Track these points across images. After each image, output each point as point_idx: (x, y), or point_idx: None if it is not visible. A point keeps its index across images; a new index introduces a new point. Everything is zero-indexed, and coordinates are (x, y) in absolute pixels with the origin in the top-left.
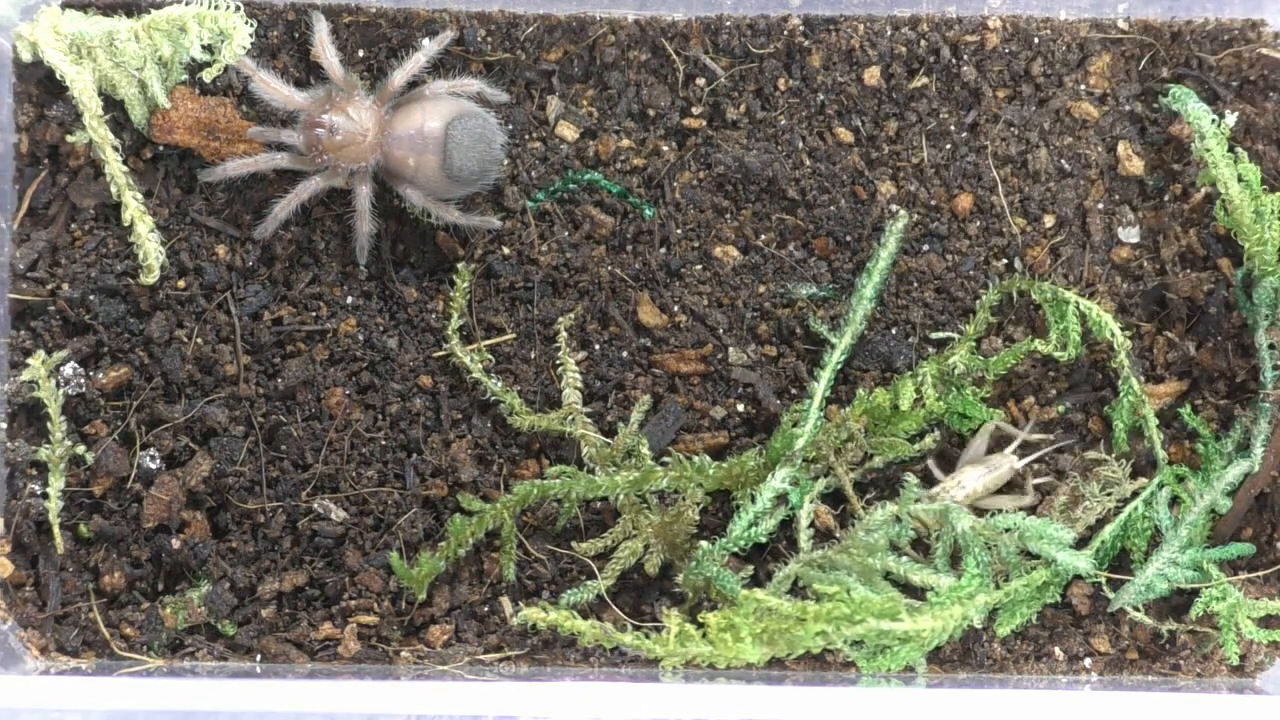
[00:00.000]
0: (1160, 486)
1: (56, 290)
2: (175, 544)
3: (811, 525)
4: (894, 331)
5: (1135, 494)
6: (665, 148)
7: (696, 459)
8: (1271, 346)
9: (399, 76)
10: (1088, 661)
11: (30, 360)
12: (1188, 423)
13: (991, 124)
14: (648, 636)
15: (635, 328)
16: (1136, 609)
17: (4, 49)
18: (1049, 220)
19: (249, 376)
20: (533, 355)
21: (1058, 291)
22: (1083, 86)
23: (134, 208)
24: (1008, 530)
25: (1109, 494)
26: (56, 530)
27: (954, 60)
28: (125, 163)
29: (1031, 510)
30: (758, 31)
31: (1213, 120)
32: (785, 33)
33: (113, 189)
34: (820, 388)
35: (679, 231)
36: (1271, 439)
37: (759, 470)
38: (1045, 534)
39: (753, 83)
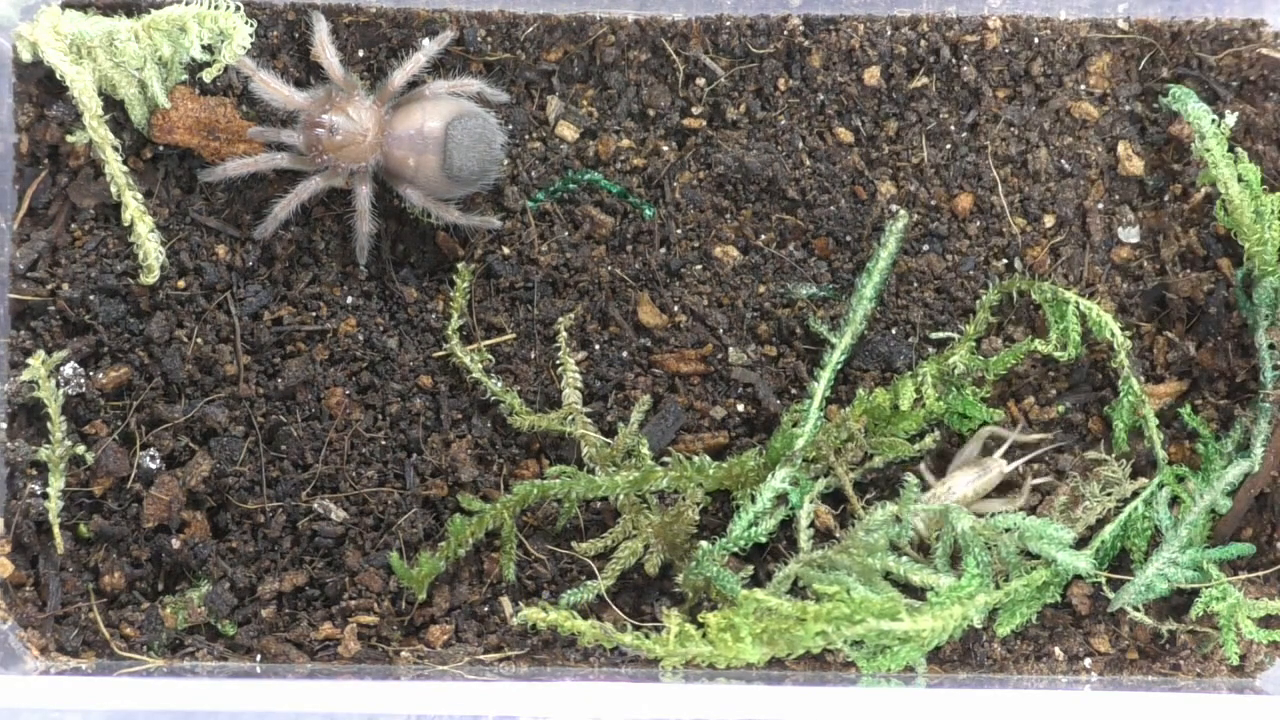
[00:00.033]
0: (1160, 486)
1: (56, 290)
2: (175, 544)
3: (811, 525)
4: (894, 331)
5: (1135, 494)
6: (665, 148)
7: (696, 459)
8: (1271, 346)
9: (399, 76)
10: (1088, 661)
11: (30, 360)
12: (1188, 423)
13: (991, 124)
14: (648, 636)
15: (635, 328)
16: (1136, 609)
17: (4, 49)
18: (1049, 220)
19: (249, 376)
20: (533, 355)
21: (1058, 291)
22: (1083, 86)
23: (134, 208)
24: (1008, 530)
25: (1109, 494)
26: (56, 530)
27: (954, 60)
28: (125, 163)
29: (1031, 510)
30: (758, 31)
31: (1213, 120)
32: (785, 33)
33: (113, 189)
34: (820, 388)
35: (679, 231)
36: (1271, 439)
37: (759, 470)
38: (1045, 534)
39: (753, 83)
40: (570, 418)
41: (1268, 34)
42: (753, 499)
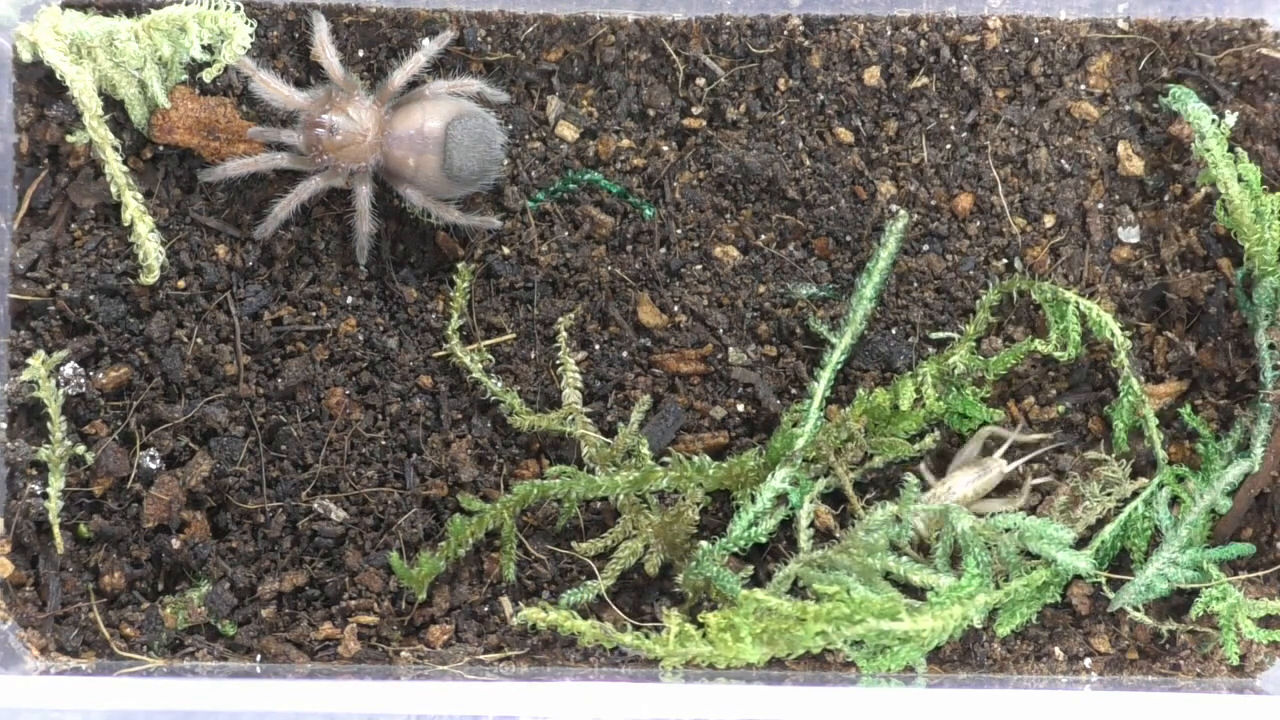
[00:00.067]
0: (1160, 486)
1: (56, 290)
2: (175, 544)
3: (811, 525)
4: (894, 331)
5: (1135, 494)
6: (665, 148)
7: (696, 459)
8: (1271, 346)
9: (399, 76)
10: (1088, 661)
11: (30, 360)
12: (1188, 423)
13: (991, 124)
14: (648, 636)
15: (635, 328)
16: (1136, 609)
17: (4, 49)
18: (1049, 220)
19: (249, 376)
20: (533, 355)
21: (1058, 291)
22: (1083, 86)
23: (134, 208)
24: (1007, 530)
25: (1109, 494)
26: (56, 530)
27: (954, 60)
28: (125, 163)
29: (1031, 510)
30: (758, 31)
31: (1213, 120)
32: (785, 33)
33: (113, 189)
34: (820, 388)
35: (679, 231)
36: (1271, 439)
37: (759, 470)
38: (1045, 534)
39: (753, 83)
40: (570, 418)
41: (1268, 34)
42: (753, 499)
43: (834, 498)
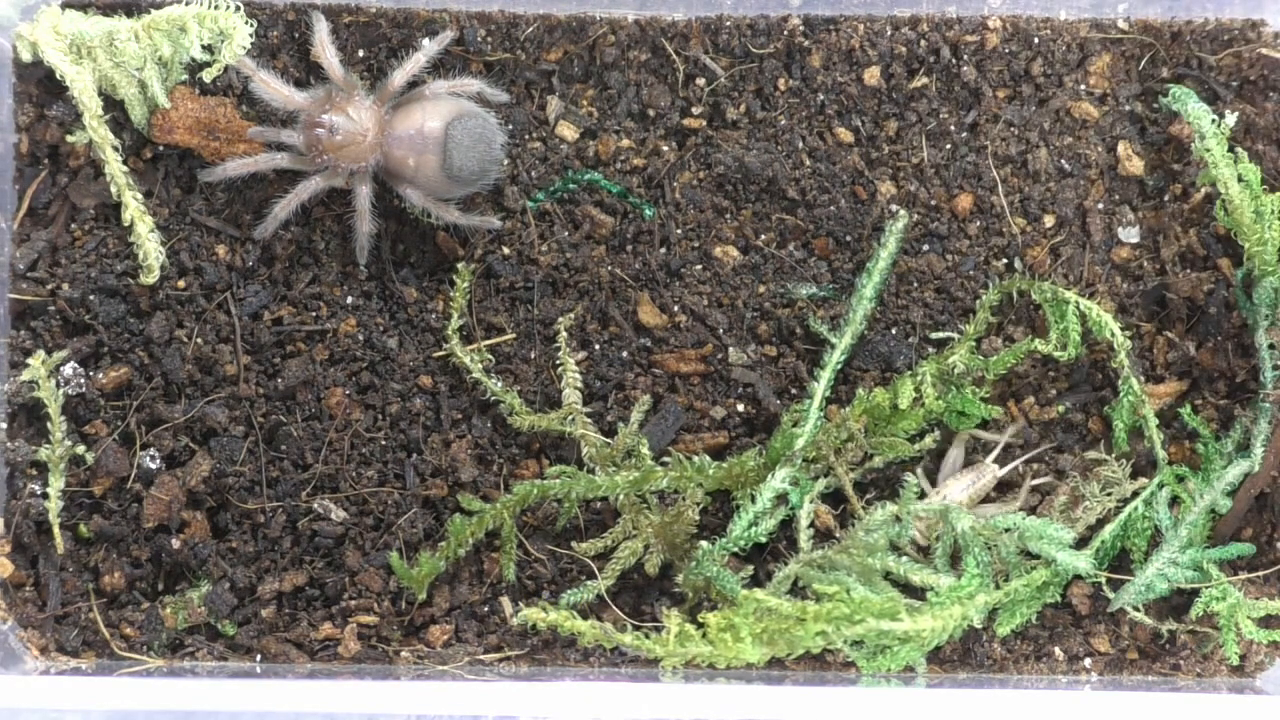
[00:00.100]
0: (1160, 486)
1: (56, 290)
2: (175, 544)
3: (811, 525)
4: (894, 331)
5: (1135, 494)
6: (665, 148)
7: (696, 459)
8: (1271, 346)
9: (399, 76)
10: (1088, 661)
11: (30, 360)
12: (1188, 423)
13: (991, 124)
14: (648, 636)
15: (635, 328)
16: (1136, 609)
17: (4, 49)
18: (1049, 220)
19: (249, 376)
20: (533, 355)
21: (1058, 291)
22: (1083, 86)
23: (134, 208)
24: (1007, 530)
25: (1109, 494)
26: (56, 530)
27: (954, 60)
28: (125, 163)
29: (1031, 511)
30: (758, 31)
31: (1213, 120)
32: (785, 33)
33: (113, 189)
34: (820, 388)
35: (679, 231)
36: (1271, 439)
37: (759, 470)
38: (1045, 534)
39: (753, 83)
40: (570, 418)
41: (1268, 34)
42: (753, 499)
43: (834, 498)
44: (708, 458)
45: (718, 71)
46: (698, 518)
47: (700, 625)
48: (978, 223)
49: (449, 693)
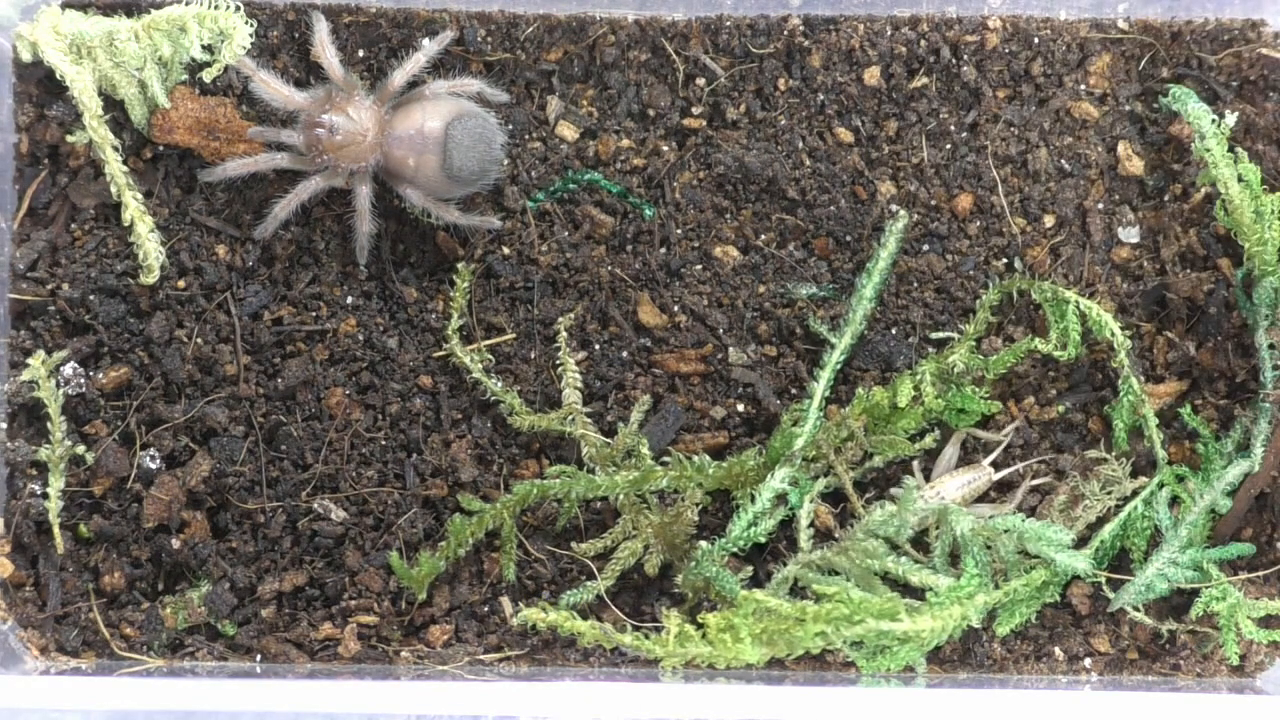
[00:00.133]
0: (1160, 486)
1: (56, 290)
2: (175, 544)
3: (811, 525)
4: (894, 331)
5: (1135, 493)
6: (665, 148)
7: (696, 459)
8: (1271, 346)
9: (399, 76)
10: (1088, 661)
11: (30, 360)
12: (1188, 423)
13: (991, 124)
14: (647, 637)
15: (635, 328)
16: (1136, 609)
17: (4, 49)
18: (1049, 220)
19: (249, 376)
20: (533, 355)
21: (1058, 291)
22: (1083, 86)
23: (134, 208)
24: (1006, 531)
25: (1109, 492)
26: (56, 530)
27: (954, 60)
28: (125, 163)
29: (1031, 511)
30: (758, 31)
31: (1213, 120)
32: (785, 33)
33: (113, 189)
34: (820, 388)
35: (679, 231)
36: (1271, 439)
37: (759, 470)
38: (1044, 535)
39: (753, 83)
40: (570, 418)
41: (1268, 34)
42: (752, 499)
43: (834, 497)
44: (708, 458)
45: (718, 71)
46: (697, 518)
47: (700, 626)
48: (978, 223)
49: (449, 693)
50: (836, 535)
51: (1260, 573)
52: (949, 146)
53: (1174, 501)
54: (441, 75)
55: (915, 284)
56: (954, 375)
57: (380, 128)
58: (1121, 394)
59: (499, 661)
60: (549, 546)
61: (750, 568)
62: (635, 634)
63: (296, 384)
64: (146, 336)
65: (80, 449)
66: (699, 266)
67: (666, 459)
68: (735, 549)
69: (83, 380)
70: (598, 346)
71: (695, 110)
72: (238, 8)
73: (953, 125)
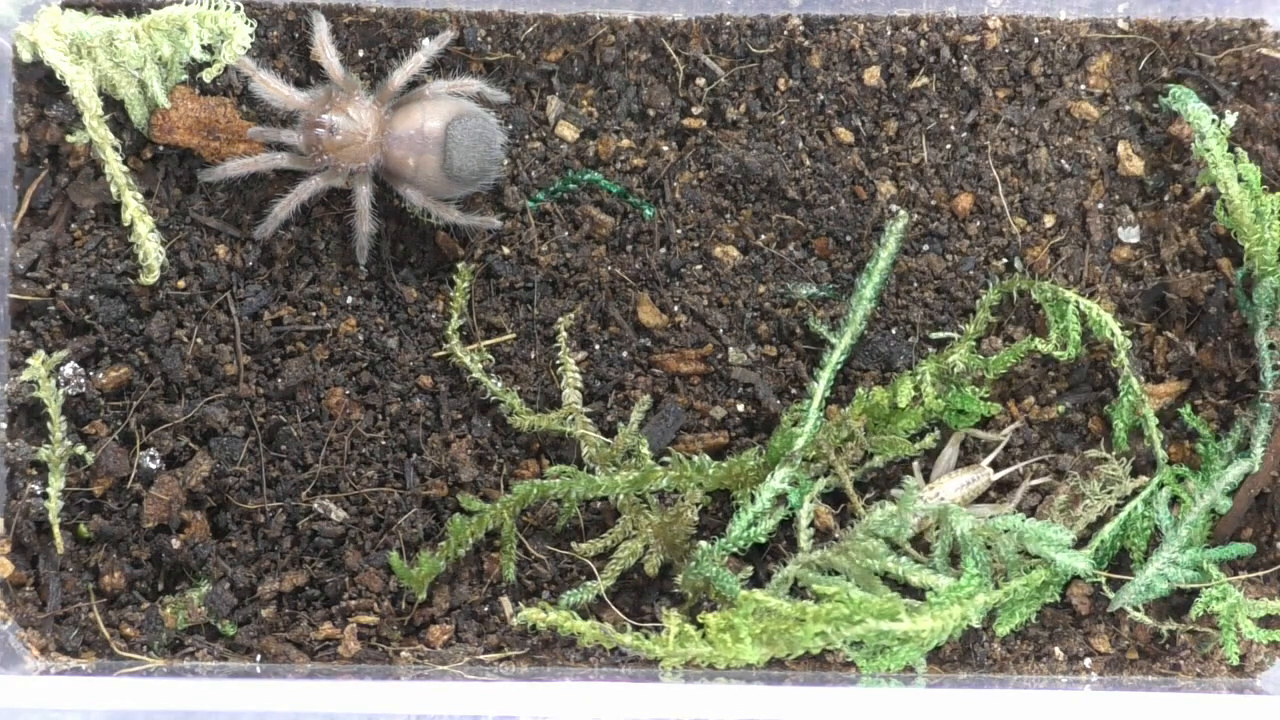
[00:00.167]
0: (1160, 486)
1: (56, 290)
2: (175, 544)
3: (811, 525)
4: (894, 331)
5: (1135, 493)
6: (665, 148)
7: (696, 459)
8: (1271, 346)
9: (399, 76)
10: (1088, 661)
11: (30, 360)
12: (1188, 423)
13: (991, 124)
14: (647, 637)
15: (635, 328)
16: (1136, 609)
17: (4, 49)
18: (1049, 220)
19: (249, 376)
20: (533, 355)
21: (1058, 291)
22: (1083, 86)
23: (134, 208)
24: (1006, 531)
25: (1109, 492)
26: (56, 530)
27: (954, 60)
28: (125, 163)
29: (1030, 511)
30: (758, 31)
31: (1213, 120)
32: (785, 33)
33: (113, 189)
34: (820, 388)
35: (679, 231)
36: (1271, 439)
37: (759, 470)
38: (1044, 535)
39: (753, 83)
40: (570, 418)
41: (1268, 34)
42: (752, 499)
43: (834, 497)
44: (708, 458)
45: (718, 71)
46: (697, 518)
47: (700, 626)
48: (978, 223)
49: (449, 693)
50: (836, 535)
51: (1260, 573)
52: (949, 146)
53: (1174, 501)
54: (441, 75)
55: (915, 284)
56: (954, 375)
57: (380, 128)
58: (1121, 394)
59: (499, 661)
60: (549, 546)
61: (750, 568)
62: (635, 634)
63: (296, 384)
64: (146, 336)
65: (80, 449)
66: (699, 266)
67: (666, 459)
68: (735, 549)
69: (83, 380)
70: (598, 346)
71: (695, 110)
72: (238, 8)
73: (953, 125)
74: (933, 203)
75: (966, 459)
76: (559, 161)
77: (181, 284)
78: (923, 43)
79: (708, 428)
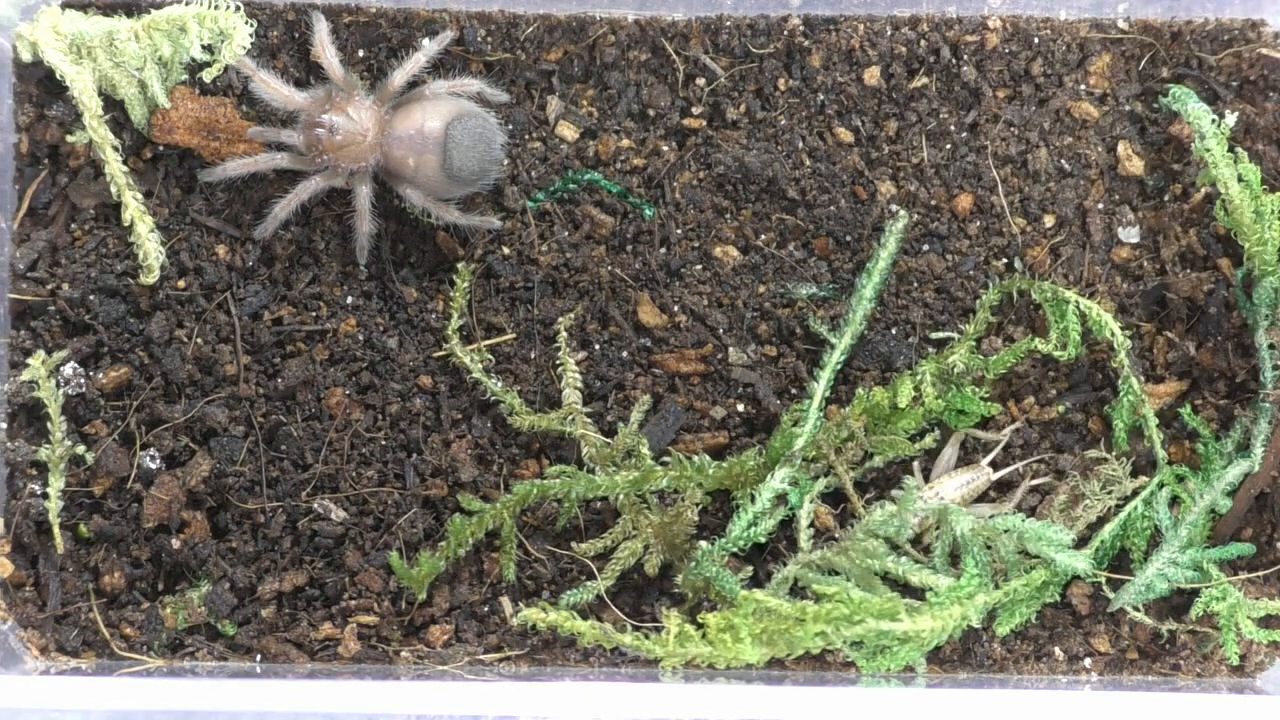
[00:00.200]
0: (1160, 486)
1: (56, 290)
2: (175, 544)
3: (811, 525)
4: (894, 331)
5: (1135, 493)
6: (665, 148)
7: (696, 459)
8: (1271, 346)
9: (399, 76)
10: (1088, 661)
11: (30, 360)
12: (1188, 423)
13: (991, 124)
14: (647, 637)
15: (635, 328)
16: (1136, 609)
17: (4, 49)
18: (1049, 220)
19: (249, 376)
20: (533, 355)
21: (1058, 291)
22: (1083, 86)
23: (134, 208)
24: (1006, 531)
25: (1109, 492)
26: (56, 530)
27: (954, 60)
28: (125, 163)
29: (1030, 511)
30: (758, 31)
31: (1213, 120)
32: (785, 33)
33: (113, 189)
34: (820, 388)
35: (679, 231)
36: (1271, 439)
37: (759, 470)
38: (1044, 535)
39: (753, 83)
40: (570, 418)
41: (1268, 34)
42: (752, 499)
43: (834, 497)
44: (708, 458)
45: (718, 71)
46: (697, 518)
47: (700, 626)
48: (978, 223)
49: (449, 693)
50: (836, 535)
51: (1260, 573)
52: (949, 146)
53: (1174, 501)
54: (441, 75)
55: (915, 284)
56: (954, 375)
57: (380, 128)
58: (1121, 394)
59: (499, 661)
60: (549, 546)
61: (750, 568)
62: (635, 634)
63: (296, 384)
64: (146, 336)
65: (80, 449)
66: (699, 266)
67: (666, 459)
68: (735, 549)
69: (83, 380)
70: (598, 346)
71: (695, 110)
72: (238, 8)
73: (953, 125)
74: (933, 203)
75: (966, 459)
76: (559, 161)
77: (181, 284)
78: (923, 43)
79: (708, 428)
